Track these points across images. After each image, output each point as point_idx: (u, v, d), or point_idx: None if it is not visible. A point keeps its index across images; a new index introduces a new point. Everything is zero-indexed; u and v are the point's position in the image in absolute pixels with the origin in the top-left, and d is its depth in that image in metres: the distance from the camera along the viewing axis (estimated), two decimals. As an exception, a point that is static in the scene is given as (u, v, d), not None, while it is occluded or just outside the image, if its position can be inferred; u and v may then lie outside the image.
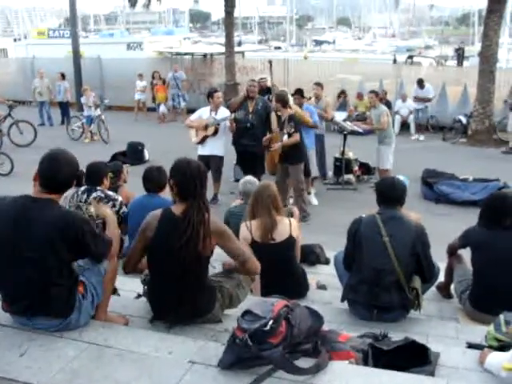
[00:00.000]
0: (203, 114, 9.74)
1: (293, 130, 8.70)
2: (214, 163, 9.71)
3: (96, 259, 3.46)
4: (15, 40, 40.93)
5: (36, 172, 3.29)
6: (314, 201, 10.18)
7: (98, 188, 5.41)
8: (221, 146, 9.73)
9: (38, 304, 3.25)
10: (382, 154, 10.55)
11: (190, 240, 3.44)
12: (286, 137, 8.79)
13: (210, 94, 9.75)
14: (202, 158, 9.65)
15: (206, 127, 9.48)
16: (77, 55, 21.26)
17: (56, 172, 3.23)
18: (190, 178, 3.54)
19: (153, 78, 19.66)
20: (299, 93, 10.08)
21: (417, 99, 16.64)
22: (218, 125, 9.48)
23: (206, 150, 9.67)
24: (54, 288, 3.24)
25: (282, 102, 8.88)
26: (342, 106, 17.81)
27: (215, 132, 9.49)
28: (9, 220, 3.19)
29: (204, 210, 3.54)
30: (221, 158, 9.80)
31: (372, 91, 10.91)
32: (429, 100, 16.61)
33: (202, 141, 9.60)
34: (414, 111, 16.60)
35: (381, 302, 4.30)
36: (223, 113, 9.56)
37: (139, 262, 3.76)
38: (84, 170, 5.75)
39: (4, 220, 3.21)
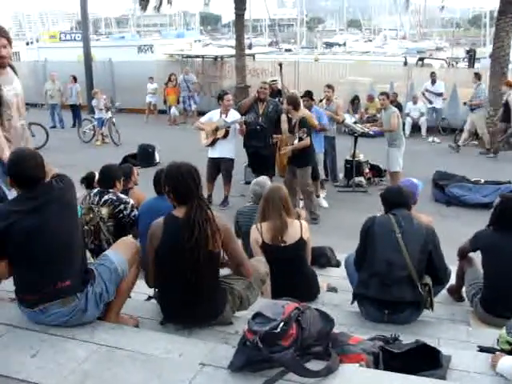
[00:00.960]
0: (213, 116, 9.76)
1: (305, 135, 8.67)
2: (224, 166, 9.73)
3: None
4: (27, 43, 41.21)
5: (9, 178, 3.47)
6: (324, 203, 10.17)
7: (111, 190, 5.44)
8: (231, 149, 9.73)
9: (63, 272, 3.34)
10: (392, 157, 10.51)
11: (200, 240, 3.45)
12: (296, 140, 8.76)
13: (220, 97, 9.77)
14: (212, 160, 9.69)
15: (216, 130, 9.49)
16: (88, 58, 21.36)
17: (23, 170, 3.36)
18: (184, 182, 3.54)
19: (169, 80, 19.66)
20: (308, 95, 10.07)
21: (427, 93, 16.61)
22: (229, 127, 9.49)
23: (216, 153, 9.68)
24: (75, 256, 3.41)
25: (294, 104, 8.84)
26: (355, 111, 17.75)
27: (225, 135, 9.50)
28: (22, 216, 3.29)
29: (206, 208, 3.56)
30: (231, 161, 9.80)
31: (383, 93, 10.89)
32: (440, 94, 16.54)
33: (213, 143, 9.61)
34: (425, 112, 16.58)
35: (392, 296, 4.30)
36: (233, 115, 9.56)
37: None
38: (96, 173, 5.80)
39: (19, 217, 3.30)
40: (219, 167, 9.77)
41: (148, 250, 3.68)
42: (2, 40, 4.21)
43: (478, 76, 15.00)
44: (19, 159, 3.42)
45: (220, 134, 9.50)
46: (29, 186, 3.37)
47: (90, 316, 3.46)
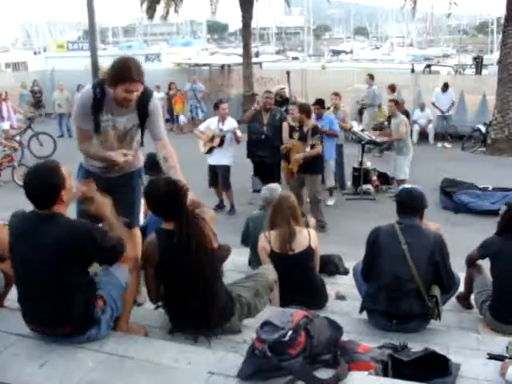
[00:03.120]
0: (211, 124, 9.94)
1: (318, 141, 8.68)
2: (220, 172, 9.84)
3: (108, 263, 3.48)
4: (35, 53, 41.50)
5: None
6: (330, 201, 10.40)
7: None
8: (228, 156, 9.82)
9: (58, 316, 3.25)
10: (399, 165, 10.48)
11: (200, 248, 3.49)
12: (308, 148, 8.76)
13: (216, 106, 9.97)
14: (210, 167, 9.93)
15: (212, 138, 9.62)
16: (95, 67, 21.39)
17: (27, 182, 3.24)
18: (168, 200, 3.56)
19: (169, 89, 19.74)
20: (319, 103, 10.07)
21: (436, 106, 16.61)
22: (224, 136, 9.59)
23: (213, 160, 9.85)
24: (72, 301, 3.26)
25: (307, 112, 8.85)
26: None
27: (221, 143, 9.66)
28: (20, 235, 3.25)
29: (195, 217, 3.58)
30: (227, 167, 9.86)
31: (392, 100, 10.87)
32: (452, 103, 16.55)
33: (209, 151, 9.77)
34: (432, 119, 16.54)
35: (400, 309, 4.28)
36: (230, 123, 9.69)
37: (160, 288, 3.76)
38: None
39: (16, 236, 3.28)
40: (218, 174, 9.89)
41: (145, 268, 3.69)
42: (138, 85, 3.85)
43: (371, 77, 16.63)
44: (30, 169, 3.34)
45: (215, 142, 9.67)
46: (35, 204, 3.24)
47: (102, 335, 3.44)
